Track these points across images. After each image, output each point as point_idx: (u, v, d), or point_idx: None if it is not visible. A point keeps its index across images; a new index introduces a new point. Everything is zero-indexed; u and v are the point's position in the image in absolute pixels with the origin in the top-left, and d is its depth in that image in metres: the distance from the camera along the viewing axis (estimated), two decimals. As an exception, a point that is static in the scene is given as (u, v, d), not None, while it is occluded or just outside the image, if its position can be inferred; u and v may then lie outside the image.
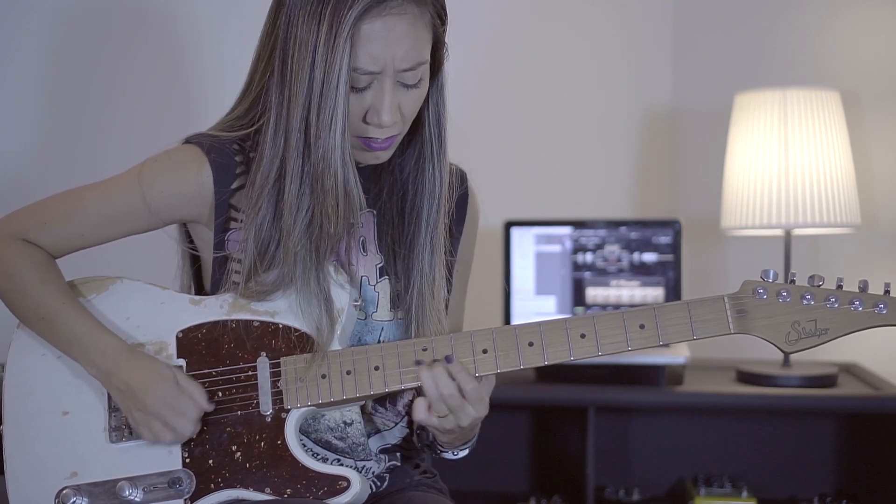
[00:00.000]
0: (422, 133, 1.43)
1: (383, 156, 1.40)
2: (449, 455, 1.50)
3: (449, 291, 1.53)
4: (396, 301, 1.46)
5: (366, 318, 1.45)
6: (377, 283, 1.46)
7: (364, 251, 1.47)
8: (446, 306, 1.52)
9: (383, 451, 1.51)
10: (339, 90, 1.29)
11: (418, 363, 1.36)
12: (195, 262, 1.53)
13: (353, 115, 1.33)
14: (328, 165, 1.32)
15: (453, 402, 1.35)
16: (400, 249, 1.45)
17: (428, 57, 1.35)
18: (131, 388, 1.37)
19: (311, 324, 1.38)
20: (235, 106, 1.46)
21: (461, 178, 1.55)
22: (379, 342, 1.45)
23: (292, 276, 1.37)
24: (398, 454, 1.53)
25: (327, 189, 1.33)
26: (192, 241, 1.50)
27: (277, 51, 1.35)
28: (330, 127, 1.30)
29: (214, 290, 1.45)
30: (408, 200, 1.46)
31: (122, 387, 1.38)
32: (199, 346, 1.41)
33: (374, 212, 1.47)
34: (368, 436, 1.48)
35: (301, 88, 1.31)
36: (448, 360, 1.36)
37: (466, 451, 1.50)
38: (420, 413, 1.37)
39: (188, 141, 1.44)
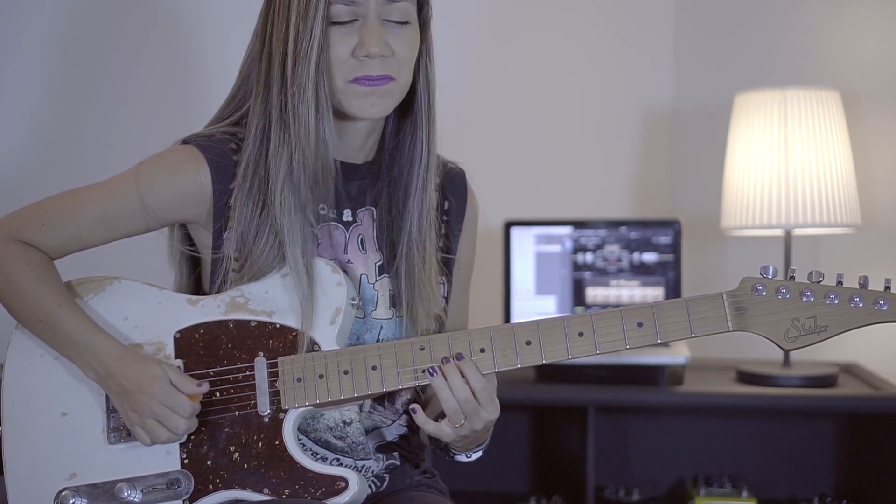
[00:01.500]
0: (414, 102, 1.44)
1: (380, 103, 1.38)
2: (462, 458, 1.50)
3: (449, 289, 1.53)
4: (395, 299, 1.46)
5: (364, 316, 1.45)
6: (376, 280, 1.46)
7: (363, 249, 1.47)
8: (447, 301, 1.52)
9: (381, 448, 1.50)
10: (317, 21, 1.32)
11: (430, 372, 1.35)
12: (194, 267, 1.53)
13: (341, 54, 1.35)
14: (302, 96, 1.34)
15: (469, 406, 1.34)
16: (395, 229, 1.45)
17: None
18: (126, 390, 1.37)
19: (296, 279, 1.37)
20: (227, 98, 1.49)
21: (461, 177, 1.56)
22: (378, 340, 1.45)
23: (279, 231, 1.37)
24: (396, 453, 1.53)
25: (301, 121, 1.35)
26: (191, 244, 1.50)
27: (259, 29, 1.40)
28: (306, 57, 1.33)
29: (212, 288, 1.45)
30: (398, 178, 1.46)
31: (117, 389, 1.37)
32: (196, 346, 1.41)
33: (374, 210, 1.47)
34: (366, 433, 1.47)
35: (278, 40, 1.35)
36: (459, 357, 1.35)
37: (480, 453, 1.50)
38: (430, 425, 1.37)
39: (185, 141, 1.44)
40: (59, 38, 2.57)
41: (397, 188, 1.46)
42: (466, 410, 1.35)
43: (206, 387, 1.38)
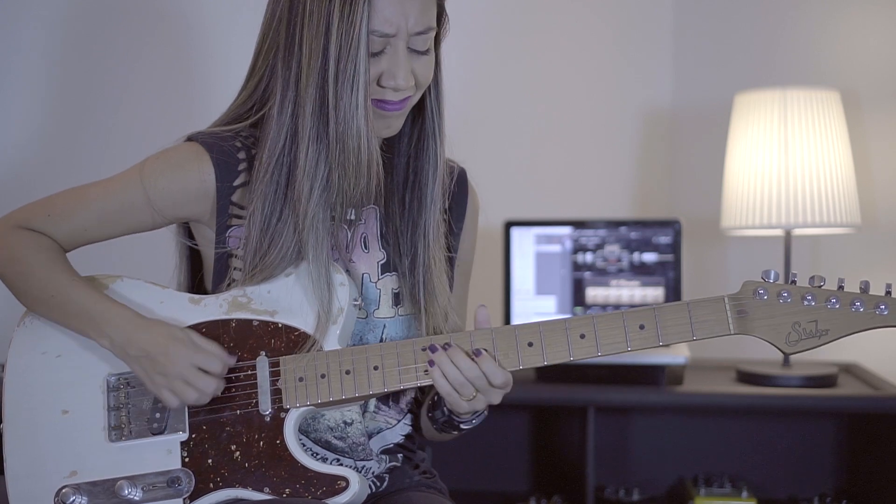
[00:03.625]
0: (424, 110, 1.45)
1: (395, 123, 1.41)
2: (467, 425, 1.48)
3: (450, 287, 1.53)
4: (398, 297, 1.47)
5: (367, 316, 1.45)
6: (379, 279, 1.47)
7: (366, 248, 1.47)
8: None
9: (385, 451, 1.51)
10: (360, 53, 1.31)
11: (431, 349, 1.35)
12: (195, 261, 1.53)
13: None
14: (349, 126, 1.34)
15: (480, 383, 1.35)
16: (404, 229, 1.46)
17: (436, 24, 1.38)
18: (149, 353, 1.36)
19: (318, 294, 1.37)
20: (240, 93, 1.48)
21: (461, 176, 1.56)
22: (381, 340, 1.45)
23: (304, 245, 1.37)
24: (399, 455, 1.53)
25: (349, 149, 1.35)
26: (193, 239, 1.51)
27: (283, 25, 1.37)
28: (352, 89, 1.32)
29: (215, 288, 1.45)
30: (409, 181, 1.47)
31: (139, 353, 1.37)
32: (198, 345, 1.41)
33: (378, 207, 1.48)
34: (370, 436, 1.48)
35: (315, 56, 1.33)
36: (477, 353, 1.35)
37: (484, 415, 1.48)
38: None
39: (190, 138, 1.44)
40: (59, 37, 2.57)
41: (411, 191, 1.47)
42: (479, 386, 1.35)
43: (233, 360, 1.39)
